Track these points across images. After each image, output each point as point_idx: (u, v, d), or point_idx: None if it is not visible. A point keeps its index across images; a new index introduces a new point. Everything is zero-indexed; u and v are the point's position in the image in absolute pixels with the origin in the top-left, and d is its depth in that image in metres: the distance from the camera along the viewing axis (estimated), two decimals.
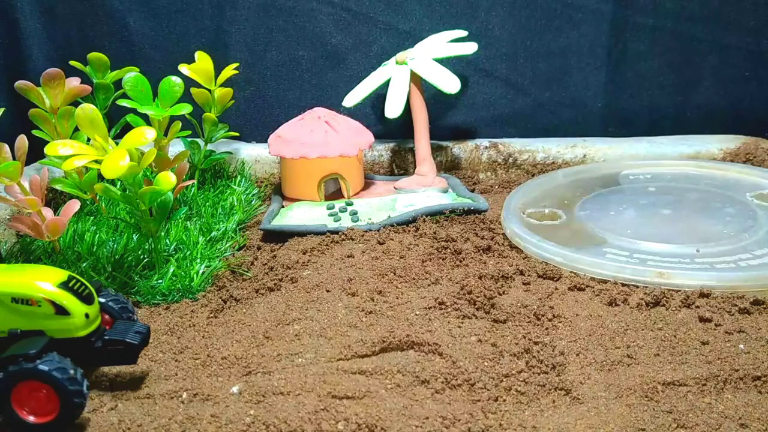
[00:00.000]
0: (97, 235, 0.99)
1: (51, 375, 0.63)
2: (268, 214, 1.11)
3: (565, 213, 1.10)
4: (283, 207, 1.16)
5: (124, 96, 1.02)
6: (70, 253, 0.95)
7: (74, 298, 0.68)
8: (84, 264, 0.92)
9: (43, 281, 0.68)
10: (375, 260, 0.97)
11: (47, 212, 0.91)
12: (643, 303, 0.85)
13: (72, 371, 0.64)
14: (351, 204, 1.14)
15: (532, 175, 1.30)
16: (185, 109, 1.02)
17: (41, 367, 0.63)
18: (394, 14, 1.32)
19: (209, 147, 1.19)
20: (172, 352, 0.79)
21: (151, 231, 0.93)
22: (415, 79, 1.19)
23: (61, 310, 0.67)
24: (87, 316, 0.68)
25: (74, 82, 1.03)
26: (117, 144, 0.88)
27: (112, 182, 0.99)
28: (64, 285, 0.68)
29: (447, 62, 1.19)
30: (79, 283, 0.70)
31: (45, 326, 0.67)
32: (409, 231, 1.06)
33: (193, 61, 1.11)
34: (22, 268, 0.71)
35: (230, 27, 1.33)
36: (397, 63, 1.21)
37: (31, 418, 0.64)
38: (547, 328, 0.80)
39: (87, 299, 0.69)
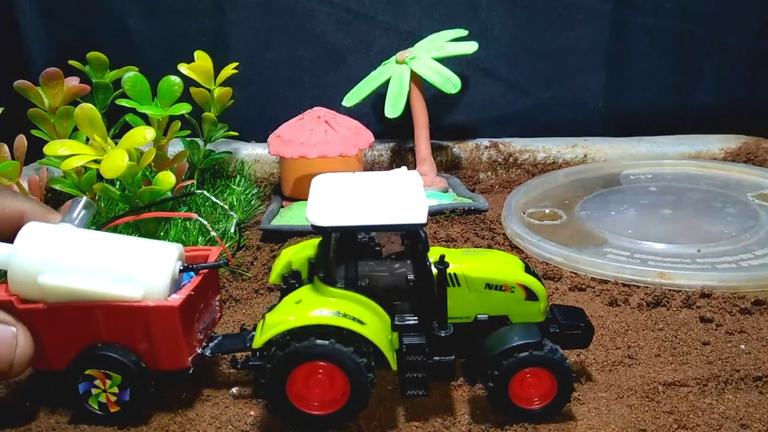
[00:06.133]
0: None
1: (551, 359, 0.63)
2: (268, 214, 1.11)
3: (565, 213, 1.10)
4: (282, 207, 1.16)
5: (123, 95, 1.01)
6: None
7: (539, 283, 0.67)
8: None
9: (514, 267, 0.68)
10: None
11: None
12: (644, 303, 0.85)
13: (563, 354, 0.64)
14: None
15: (533, 175, 1.30)
16: (184, 108, 1.02)
17: (536, 353, 0.63)
18: (394, 14, 1.32)
19: (209, 147, 1.19)
20: None
21: (150, 231, 0.93)
22: (415, 78, 1.19)
23: (531, 296, 0.66)
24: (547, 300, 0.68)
25: (73, 81, 1.02)
26: (116, 143, 0.88)
27: (111, 182, 0.99)
28: (527, 270, 0.68)
29: (447, 62, 1.19)
30: (532, 268, 0.69)
31: (511, 311, 0.67)
32: None
33: (193, 60, 1.11)
34: (479, 253, 0.70)
35: (230, 27, 1.32)
36: (397, 63, 1.21)
37: (536, 401, 0.64)
38: None
39: (542, 283, 0.68)
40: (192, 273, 0.68)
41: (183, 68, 1.08)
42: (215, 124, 1.16)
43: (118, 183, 1.03)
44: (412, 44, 1.24)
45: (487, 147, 1.35)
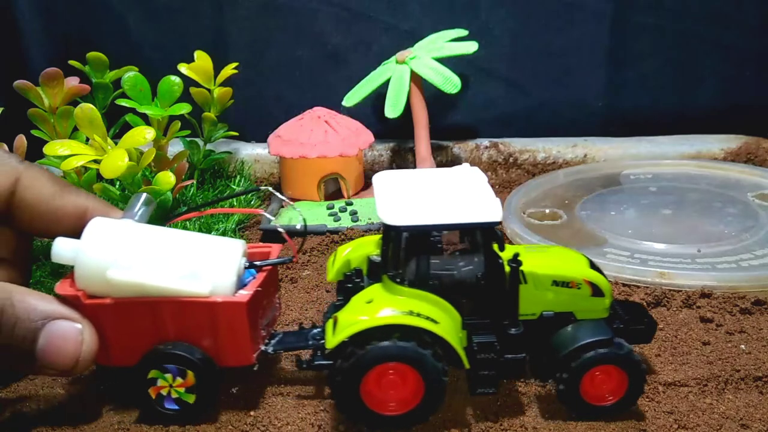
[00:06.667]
0: None
1: (623, 356, 0.63)
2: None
3: (565, 213, 1.10)
4: (282, 207, 1.16)
5: (123, 95, 1.02)
6: None
7: (605, 279, 0.67)
8: None
9: (579, 263, 0.68)
10: None
11: None
12: (644, 303, 0.84)
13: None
14: (351, 204, 1.14)
15: (533, 175, 1.30)
16: (184, 108, 1.02)
17: (609, 350, 0.63)
18: (394, 14, 1.32)
19: (208, 147, 1.19)
20: None
21: None
22: (416, 78, 1.19)
23: (597, 292, 0.66)
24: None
25: (73, 81, 1.02)
26: (116, 143, 0.88)
27: (111, 182, 0.99)
28: (592, 266, 0.68)
29: (447, 62, 1.19)
30: (596, 264, 0.69)
31: (577, 308, 0.66)
32: None
33: (193, 60, 1.11)
34: (543, 250, 0.70)
35: (230, 27, 1.32)
36: (397, 62, 1.21)
37: (609, 397, 0.65)
38: None
39: (607, 279, 0.68)
40: (252, 270, 0.68)
41: (183, 68, 1.08)
42: (215, 124, 1.16)
43: (117, 183, 1.03)
44: (412, 44, 1.24)
45: (487, 147, 1.35)
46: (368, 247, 0.72)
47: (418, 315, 0.61)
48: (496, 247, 0.64)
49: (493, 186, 1.26)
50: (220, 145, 1.28)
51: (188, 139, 1.17)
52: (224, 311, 0.63)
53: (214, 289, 0.63)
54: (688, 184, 1.19)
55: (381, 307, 0.62)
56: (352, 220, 1.08)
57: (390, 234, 0.64)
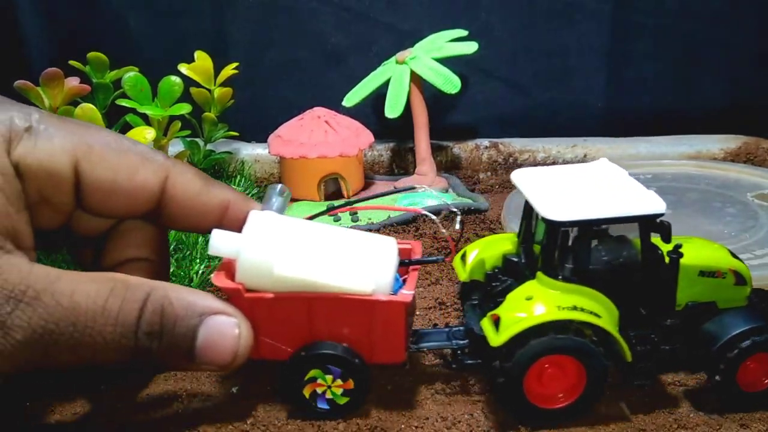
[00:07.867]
0: None
1: None
2: None
3: None
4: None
5: (124, 95, 1.02)
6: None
7: (747, 268, 0.67)
8: None
9: (722, 253, 0.68)
10: None
11: None
12: None
13: None
14: (351, 204, 1.14)
15: None
16: (184, 108, 1.02)
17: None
18: (394, 14, 1.32)
19: (209, 147, 1.19)
20: None
21: None
22: (415, 78, 1.19)
23: (740, 281, 0.66)
24: None
25: (73, 81, 1.02)
26: None
27: None
28: (734, 255, 0.68)
29: (447, 62, 1.19)
30: (735, 254, 0.69)
31: (720, 297, 0.66)
32: (409, 231, 1.06)
33: (193, 60, 1.11)
34: (686, 241, 0.69)
35: (230, 27, 1.32)
36: (397, 63, 1.21)
37: (766, 381, 0.65)
38: None
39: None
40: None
41: (183, 68, 1.08)
42: (215, 124, 1.16)
43: None
44: (412, 44, 1.24)
45: (487, 147, 1.35)
46: (498, 245, 0.73)
47: (582, 310, 0.61)
48: (657, 239, 0.64)
49: (493, 186, 1.28)
50: (221, 145, 1.28)
51: (188, 139, 1.17)
52: (385, 310, 0.63)
53: (376, 287, 0.62)
54: (688, 184, 1.19)
55: (543, 303, 0.62)
56: (352, 220, 1.08)
57: (548, 230, 0.64)
